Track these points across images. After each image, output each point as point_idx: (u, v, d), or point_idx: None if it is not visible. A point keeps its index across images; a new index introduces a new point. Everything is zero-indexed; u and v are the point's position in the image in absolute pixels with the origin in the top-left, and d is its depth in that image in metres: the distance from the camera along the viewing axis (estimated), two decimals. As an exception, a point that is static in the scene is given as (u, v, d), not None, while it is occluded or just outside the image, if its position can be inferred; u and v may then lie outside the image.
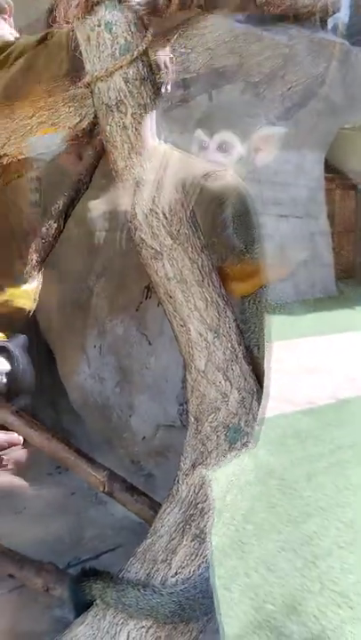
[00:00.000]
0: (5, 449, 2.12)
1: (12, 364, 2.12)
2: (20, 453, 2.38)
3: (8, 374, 2.08)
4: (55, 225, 1.42)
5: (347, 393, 4.83)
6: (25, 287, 2.05)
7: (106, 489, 1.43)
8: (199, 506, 0.95)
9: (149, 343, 2.42)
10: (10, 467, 2.39)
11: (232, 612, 2.19)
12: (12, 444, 2.00)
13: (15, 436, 1.77)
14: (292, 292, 10.24)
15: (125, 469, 2.11)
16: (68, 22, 0.96)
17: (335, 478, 3.26)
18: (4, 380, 2.04)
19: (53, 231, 1.44)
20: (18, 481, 2.47)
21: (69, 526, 2.31)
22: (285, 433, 3.91)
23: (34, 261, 1.75)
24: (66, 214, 1.62)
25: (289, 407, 4.51)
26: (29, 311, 2.14)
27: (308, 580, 2.36)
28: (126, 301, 2.47)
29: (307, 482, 3.23)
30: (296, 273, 10.51)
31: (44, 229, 1.38)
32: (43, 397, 2.57)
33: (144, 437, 2.39)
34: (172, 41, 1.36)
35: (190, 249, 0.98)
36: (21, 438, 1.82)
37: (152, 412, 2.38)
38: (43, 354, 2.65)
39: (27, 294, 2.10)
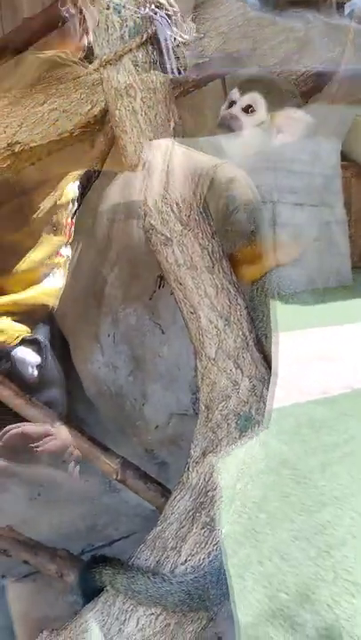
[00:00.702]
0: (38, 440, 2.11)
1: (42, 355, 2.12)
2: (53, 444, 2.38)
3: (39, 366, 2.07)
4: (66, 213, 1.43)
5: (362, 383, 4.82)
6: (51, 285, 2.07)
7: (119, 477, 1.44)
8: (209, 494, 0.95)
9: (162, 332, 2.41)
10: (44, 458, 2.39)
11: (246, 600, 2.19)
12: (45, 435, 2.00)
13: (47, 427, 1.78)
14: (306, 280, 10.21)
15: (139, 458, 2.12)
16: (76, 4, 0.95)
17: (350, 468, 3.25)
18: (36, 373, 2.04)
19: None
20: (32, 468, 2.50)
21: (83, 513, 2.33)
22: (299, 422, 3.88)
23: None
24: (79, 203, 1.62)
25: (303, 396, 4.49)
26: (52, 308, 2.15)
27: (321, 569, 2.36)
28: (140, 290, 2.47)
29: (321, 471, 3.22)
30: (310, 261, 10.49)
31: (54, 218, 1.38)
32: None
33: (157, 426, 2.40)
34: (186, 25, 1.33)
35: (201, 235, 0.97)
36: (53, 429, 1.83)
37: (165, 401, 2.38)
38: (57, 342, 2.66)
39: (52, 292, 2.12)
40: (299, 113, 1.27)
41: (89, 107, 1.25)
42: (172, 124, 0.96)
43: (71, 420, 1.84)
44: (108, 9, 0.93)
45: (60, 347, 2.78)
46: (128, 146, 0.97)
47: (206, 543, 0.93)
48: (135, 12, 0.94)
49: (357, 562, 2.55)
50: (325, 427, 3.90)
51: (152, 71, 0.96)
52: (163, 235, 0.96)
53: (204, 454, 0.97)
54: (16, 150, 1.29)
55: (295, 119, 1.22)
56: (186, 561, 0.94)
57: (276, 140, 1.19)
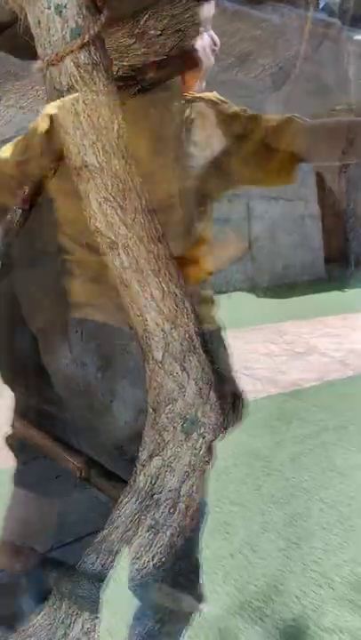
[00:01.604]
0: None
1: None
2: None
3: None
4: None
5: (333, 375, 4.86)
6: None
7: (83, 475, 1.43)
8: (155, 497, 0.96)
9: (130, 327, 2.42)
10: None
11: (216, 594, 2.22)
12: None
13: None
14: (281, 274, 10.27)
15: (108, 454, 2.11)
16: (20, 6, 0.94)
17: (319, 460, 3.30)
18: None
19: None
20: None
21: (53, 509, 2.33)
22: (271, 415, 3.94)
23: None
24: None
25: (275, 389, 4.55)
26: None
27: (290, 561, 2.40)
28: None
29: (291, 463, 3.27)
30: (284, 255, 10.49)
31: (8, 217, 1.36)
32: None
33: (126, 422, 2.39)
34: (142, 22, 1.33)
35: (146, 238, 0.97)
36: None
37: (133, 397, 2.38)
38: (26, 339, 2.64)
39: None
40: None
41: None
42: (116, 127, 0.96)
43: (40, 417, 1.83)
44: (49, 9, 0.92)
45: (29, 343, 2.77)
46: (71, 147, 0.96)
47: (151, 546, 0.93)
48: (77, 13, 0.93)
49: (326, 553, 2.58)
50: (296, 419, 3.94)
51: (95, 73, 0.95)
52: (108, 238, 0.96)
53: (150, 457, 0.97)
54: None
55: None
56: (131, 564, 0.94)
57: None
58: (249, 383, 4.79)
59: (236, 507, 2.84)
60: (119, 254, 0.94)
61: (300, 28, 7.94)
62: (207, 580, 2.28)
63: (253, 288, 9.27)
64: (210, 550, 2.49)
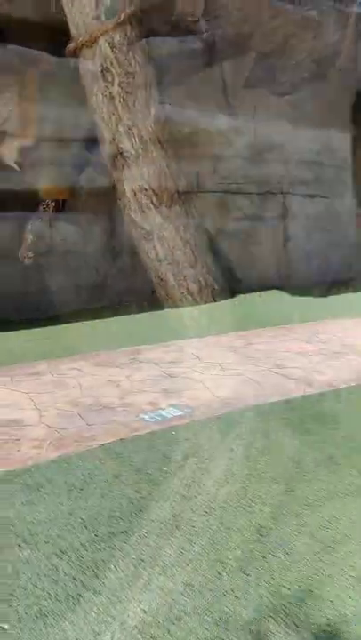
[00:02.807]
0: None
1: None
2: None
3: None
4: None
5: (372, 376, 4.77)
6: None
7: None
8: None
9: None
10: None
11: (248, 594, 2.21)
12: None
13: None
14: (316, 272, 10.14)
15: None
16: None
17: (355, 462, 3.25)
18: None
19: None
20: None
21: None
22: (305, 415, 3.90)
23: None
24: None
25: (310, 389, 4.50)
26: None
27: (325, 565, 2.37)
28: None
29: (326, 465, 3.22)
30: (321, 254, 10.32)
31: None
32: None
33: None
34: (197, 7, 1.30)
35: (183, 228, 0.94)
36: None
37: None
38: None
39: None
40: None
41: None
42: (153, 111, 0.93)
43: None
44: (82, -14, 0.90)
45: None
46: (105, 133, 0.93)
47: None
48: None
49: (363, 557, 2.49)
50: (332, 420, 3.90)
51: (130, 54, 0.92)
52: (143, 228, 0.93)
53: None
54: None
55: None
56: None
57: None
58: (283, 382, 4.76)
59: (268, 507, 2.81)
60: (154, 246, 0.92)
61: (337, 23, 7.82)
62: (239, 580, 2.28)
63: (288, 286, 9.18)
64: (241, 551, 2.48)
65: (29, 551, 2.52)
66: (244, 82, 7.50)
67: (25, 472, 3.26)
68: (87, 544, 2.56)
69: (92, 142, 7.31)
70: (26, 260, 7.27)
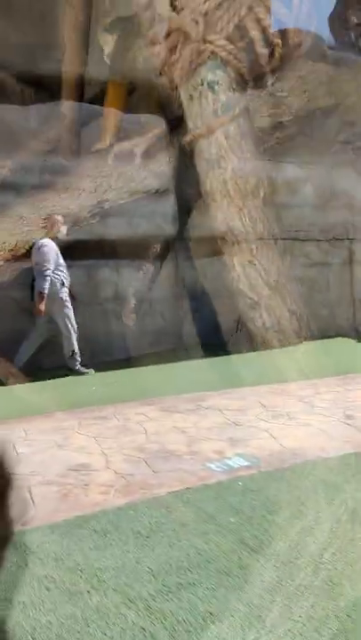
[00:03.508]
0: None
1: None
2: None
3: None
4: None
5: None
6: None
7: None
8: None
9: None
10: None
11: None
12: None
13: None
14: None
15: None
16: (172, 82, 1.01)
17: None
18: None
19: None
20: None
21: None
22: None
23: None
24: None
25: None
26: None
27: None
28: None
29: None
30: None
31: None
32: None
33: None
34: (270, 85, 1.40)
35: (289, 299, 0.99)
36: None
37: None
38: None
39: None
40: None
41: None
42: (262, 193, 0.99)
43: None
44: (202, 85, 0.98)
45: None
46: (218, 214, 1.00)
47: None
48: (228, 88, 0.99)
49: None
50: None
51: (243, 143, 1.00)
52: (250, 299, 0.98)
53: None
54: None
55: None
56: None
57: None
58: (351, 433, 4.64)
59: (343, 565, 2.73)
60: (261, 315, 0.97)
61: None
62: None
63: (355, 333, 9.01)
64: (314, 610, 2.41)
65: (98, 598, 2.53)
66: (311, 133, 7.67)
67: (93, 517, 3.30)
68: (155, 594, 2.55)
69: (159, 194, 7.64)
70: (94, 305, 7.52)
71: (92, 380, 7.05)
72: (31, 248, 7.38)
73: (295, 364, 6.65)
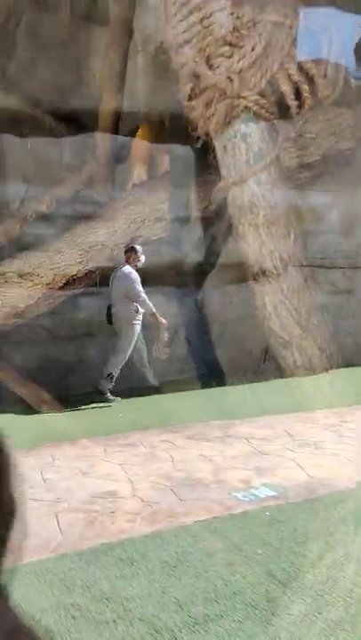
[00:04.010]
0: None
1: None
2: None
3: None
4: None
5: None
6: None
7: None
8: None
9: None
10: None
11: None
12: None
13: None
14: None
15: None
16: (207, 134, 1.06)
17: None
18: None
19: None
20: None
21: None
22: None
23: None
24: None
25: None
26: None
27: None
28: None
29: None
30: None
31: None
32: None
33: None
34: (298, 127, 1.45)
35: (319, 338, 1.02)
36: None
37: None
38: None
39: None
40: None
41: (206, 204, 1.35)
42: (293, 236, 1.03)
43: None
44: (235, 137, 1.04)
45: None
46: (250, 255, 1.05)
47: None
48: (260, 139, 1.04)
49: None
50: None
51: (274, 190, 1.04)
52: (281, 338, 1.02)
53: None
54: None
55: None
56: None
57: None
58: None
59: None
60: (292, 353, 1.00)
61: None
62: None
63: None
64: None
65: (124, 627, 2.53)
66: (337, 171, 7.85)
67: (119, 545, 3.30)
68: (181, 625, 2.54)
69: (185, 222, 7.78)
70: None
71: (119, 407, 7.08)
72: (108, 276, 7.68)
73: (321, 393, 6.60)
